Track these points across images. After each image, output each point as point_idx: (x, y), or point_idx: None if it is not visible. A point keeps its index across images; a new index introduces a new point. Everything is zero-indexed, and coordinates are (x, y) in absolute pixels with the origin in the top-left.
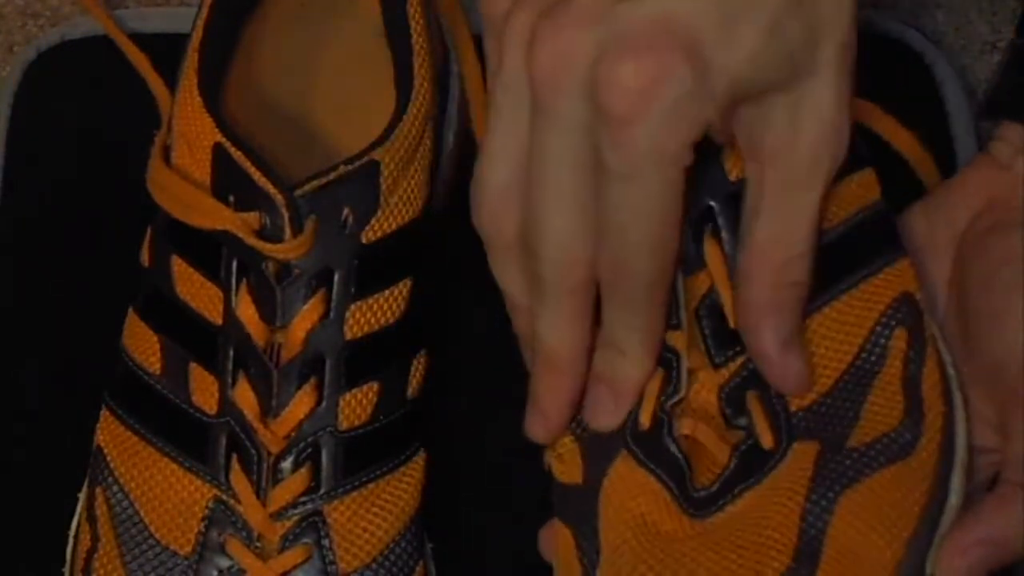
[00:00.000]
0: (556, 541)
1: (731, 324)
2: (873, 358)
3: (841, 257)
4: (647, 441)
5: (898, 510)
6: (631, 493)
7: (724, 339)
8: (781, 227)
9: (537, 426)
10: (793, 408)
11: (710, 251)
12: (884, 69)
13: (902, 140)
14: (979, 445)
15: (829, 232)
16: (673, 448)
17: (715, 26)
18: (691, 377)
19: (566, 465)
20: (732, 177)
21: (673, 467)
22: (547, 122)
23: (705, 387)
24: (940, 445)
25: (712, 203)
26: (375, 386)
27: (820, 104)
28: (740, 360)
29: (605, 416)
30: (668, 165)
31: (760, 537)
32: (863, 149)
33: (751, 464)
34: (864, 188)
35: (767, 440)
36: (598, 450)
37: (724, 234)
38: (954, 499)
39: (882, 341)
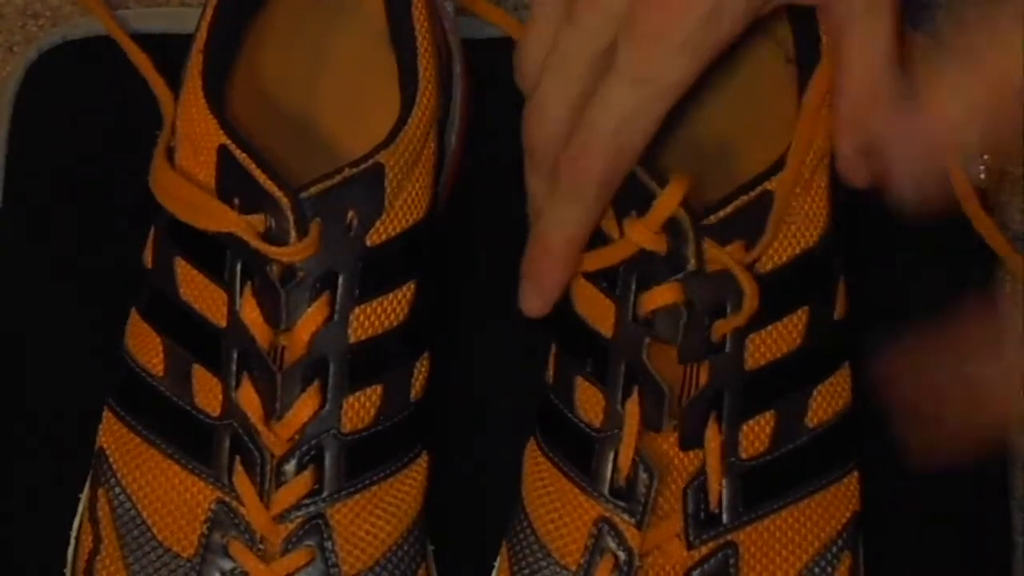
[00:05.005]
0: None
1: (713, 508)
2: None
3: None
4: None
5: None
6: None
7: (704, 523)
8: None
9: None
10: None
11: (711, 436)
12: None
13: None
14: None
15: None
16: None
17: None
18: (659, 547)
19: None
20: (748, 366)
21: None
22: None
23: (672, 562)
24: None
25: (724, 391)
26: (379, 389)
27: None
28: (713, 545)
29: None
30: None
31: None
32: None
33: None
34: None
35: None
36: None
37: (725, 423)
38: None
39: (829, 569)
